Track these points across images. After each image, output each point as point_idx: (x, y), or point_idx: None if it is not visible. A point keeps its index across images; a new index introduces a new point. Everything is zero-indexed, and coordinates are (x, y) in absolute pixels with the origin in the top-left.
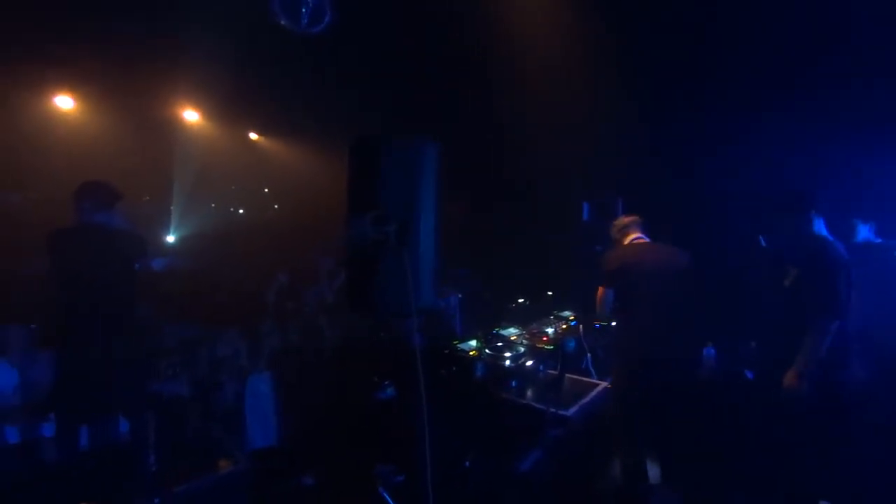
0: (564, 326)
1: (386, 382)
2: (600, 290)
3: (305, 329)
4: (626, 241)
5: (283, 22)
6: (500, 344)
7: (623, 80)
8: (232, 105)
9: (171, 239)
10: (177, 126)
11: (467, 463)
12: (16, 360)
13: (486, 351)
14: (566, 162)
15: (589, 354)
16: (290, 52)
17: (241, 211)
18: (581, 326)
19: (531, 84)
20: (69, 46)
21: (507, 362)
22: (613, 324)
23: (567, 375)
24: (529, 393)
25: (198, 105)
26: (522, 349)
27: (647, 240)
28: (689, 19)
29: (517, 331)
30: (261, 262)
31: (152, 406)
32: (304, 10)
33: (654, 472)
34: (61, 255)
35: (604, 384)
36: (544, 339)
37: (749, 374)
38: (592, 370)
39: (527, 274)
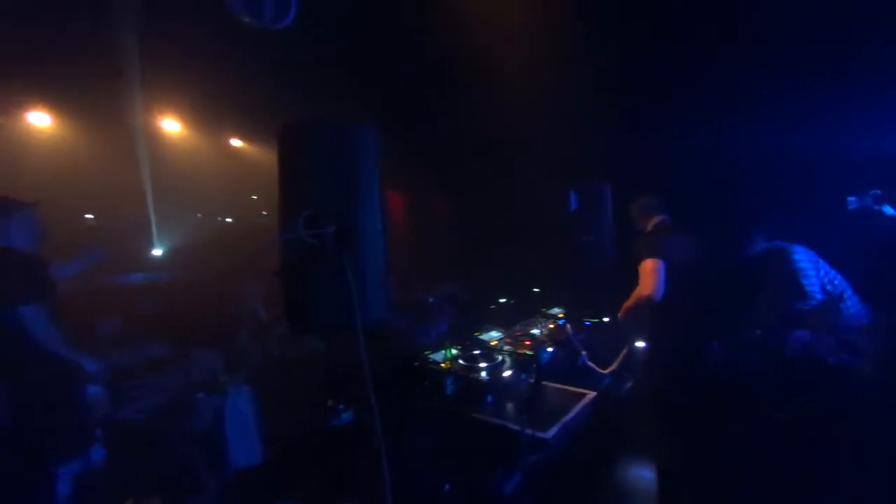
0: (552, 326)
1: (340, 406)
2: (650, 263)
3: (288, 340)
4: (655, 222)
5: (244, 18)
6: (477, 352)
7: (599, 62)
8: (212, 112)
9: (157, 252)
10: (158, 137)
11: (447, 487)
12: None
13: (460, 361)
14: (547, 150)
15: (584, 352)
16: (266, 54)
17: (228, 220)
18: (569, 325)
19: (504, 72)
20: (41, 60)
21: (483, 374)
22: (606, 319)
23: (549, 384)
24: (508, 408)
25: (178, 114)
26: (500, 357)
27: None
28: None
29: (499, 334)
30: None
31: (93, 442)
32: (265, 2)
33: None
34: None
35: (591, 394)
36: (527, 343)
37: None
38: (593, 365)
39: (510, 271)
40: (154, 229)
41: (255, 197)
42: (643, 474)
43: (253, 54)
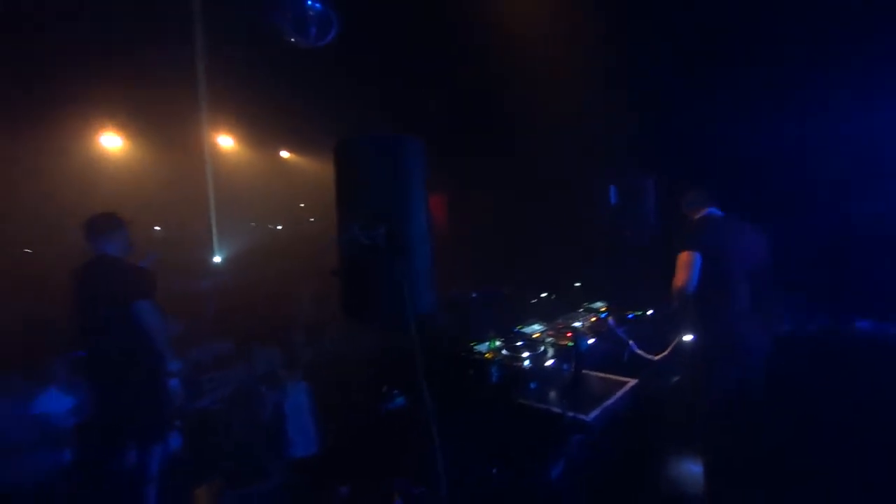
0: (593, 319)
1: (395, 392)
2: (685, 255)
3: (341, 338)
4: (699, 215)
5: (292, 39)
6: (519, 343)
7: (639, 57)
8: (262, 127)
9: (217, 259)
10: (214, 152)
11: (494, 470)
12: (63, 388)
13: (503, 352)
14: (588, 145)
15: (631, 342)
16: (310, 69)
17: (279, 227)
18: (611, 318)
19: (544, 71)
20: (111, 86)
21: (526, 363)
22: (649, 312)
23: (590, 373)
24: (551, 395)
25: (231, 131)
26: (543, 348)
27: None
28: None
29: (541, 327)
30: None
31: (169, 432)
32: (311, 24)
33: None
34: (74, 288)
35: (632, 382)
36: (568, 334)
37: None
38: (642, 353)
39: (552, 267)
40: (215, 239)
41: (302, 204)
42: (687, 467)
43: (299, 72)
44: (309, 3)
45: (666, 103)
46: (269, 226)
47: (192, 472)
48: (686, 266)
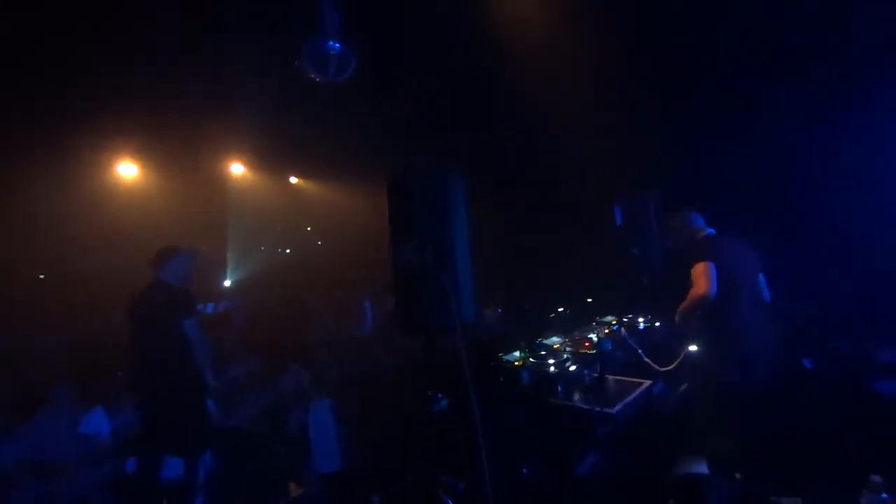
0: (607, 331)
1: (439, 395)
2: (701, 265)
3: (361, 358)
4: (703, 235)
5: (312, 75)
6: (543, 353)
7: (644, 79)
8: (272, 154)
9: (227, 283)
10: (226, 179)
11: (525, 470)
12: (110, 407)
13: (531, 360)
14: (596, 166)
15: (640, 350)
16: (319, 99)
17: (287, 251)
18: (623, 329)
19: (553, 94)
20: (127, 117)
21: (552, 369)
22: (658, 325)
23: (609, 376)
24: (576, 396)
25: (242, 158)
26: (566, 356)
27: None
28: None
29: (560, 339)
30: (308, 297)
31: (212, 444)
32: (331, 61)
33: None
34: (128, 311)
35: (647, 382)
36: (587, 344)
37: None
38: (649, 361)
39: (566, 283)
40: (228, 263)
41: (309, 228)
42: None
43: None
44: (330, 43)
45: (670, 126)
46: (278, 249)
47: (229, 483)
48: (704, 275)
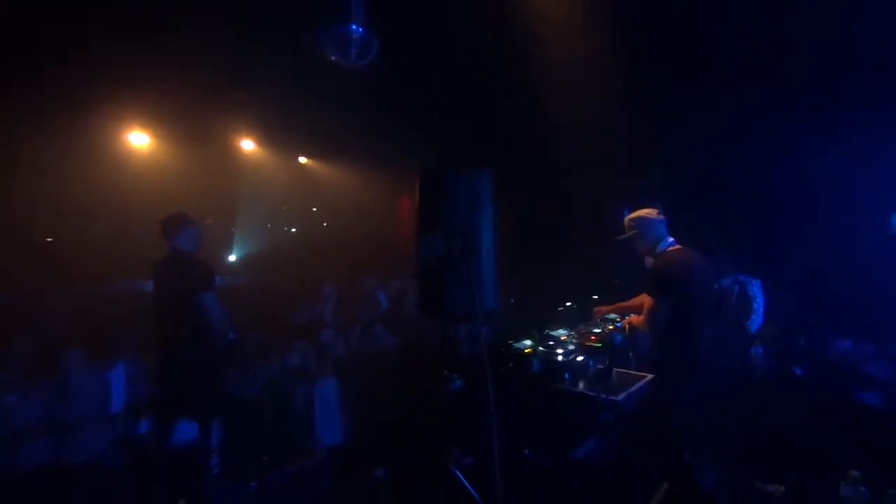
0: (611, 327)
1: (455, 376)
2: (654, 303)
3: (364, 337)
4: (667, 248)
5: (333, 57)
6: (551, 342)
7: (644, 79)
8: (283, 133)
9: (232, 258)
10: (236, 155)
11: (526, 451)
12: (126, 364)
13: (540, 348)
14: (606, 169)
15: (631, 353)
16: (333, 80)
17: (293, 230)
18: (627, 326)
19: (567, 94)
20: (139, 85)
21: (560, 357)
22: None
23: (615, 369)
24: (581, 384)
25: (253, 135)
26: (572, 346)
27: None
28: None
29: (566, 332)
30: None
31: (225, 410)
32: (353, 45)
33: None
34: (153, 279)
35: (650, 376)
36: (592, 337)
37: (798, 371)
38: (626, 371)
39: (572, 279)
40: (234, 238)
41: (315, 209)
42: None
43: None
44: (353, 26)
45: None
46: (284, 228)
47: (238, 450)
48: (654, 313)
